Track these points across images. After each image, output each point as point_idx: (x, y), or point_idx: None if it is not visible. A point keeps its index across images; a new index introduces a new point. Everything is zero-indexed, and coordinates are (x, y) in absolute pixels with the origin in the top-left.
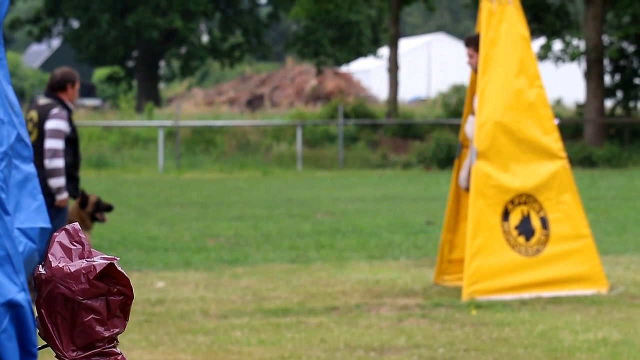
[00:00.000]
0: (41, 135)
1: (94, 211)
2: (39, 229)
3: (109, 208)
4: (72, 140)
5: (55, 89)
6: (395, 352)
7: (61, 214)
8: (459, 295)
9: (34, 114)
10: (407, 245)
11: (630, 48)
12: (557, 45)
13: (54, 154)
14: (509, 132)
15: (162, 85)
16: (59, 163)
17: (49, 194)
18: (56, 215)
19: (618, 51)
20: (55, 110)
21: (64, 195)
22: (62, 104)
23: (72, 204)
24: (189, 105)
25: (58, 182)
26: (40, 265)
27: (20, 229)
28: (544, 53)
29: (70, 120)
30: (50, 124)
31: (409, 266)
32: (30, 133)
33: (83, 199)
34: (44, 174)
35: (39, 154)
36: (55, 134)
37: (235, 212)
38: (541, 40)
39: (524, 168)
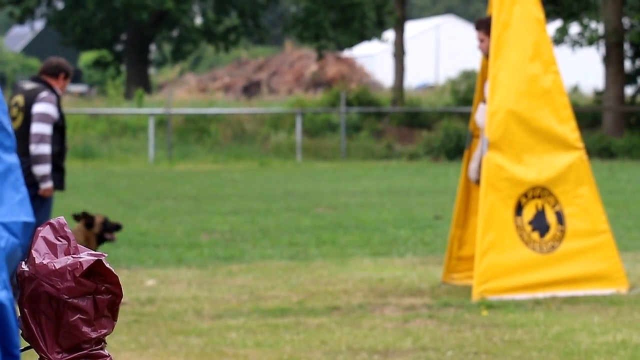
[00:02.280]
0: (27, 120)
1: (102, 232)
2: (22, 223)
3: (117, 227)
4: (59, 128)
5: (48, 74)
6: (401, 355)
7: (45, 206)
8: (468, 295)
9: (19, 99)
10: (414, 241)
11: None
12: (574, 28)
13: (41, 139)
14: (522, 121)
15: (152, 71)
16: (46, 149)
17: (32, 184)
18: (40, 207)
19: (639, 34)
20: (44, 94)
21: (48, 184)
22: (51, 88)
23: (77, 225)
24: (181, 92)
25: (43, 169)
26: (24, 262)
27: (1, 223)
28: (560, 37)
29: (58, 106)
30: (38, 108)
31: (416, 264)
32: (14, 118)
33: (88, 221)
34: (28, 162)
35: (23, 139)
36: (43, 118)
37: (230, 205)
38: (557, 23)
39: (539, 159)
